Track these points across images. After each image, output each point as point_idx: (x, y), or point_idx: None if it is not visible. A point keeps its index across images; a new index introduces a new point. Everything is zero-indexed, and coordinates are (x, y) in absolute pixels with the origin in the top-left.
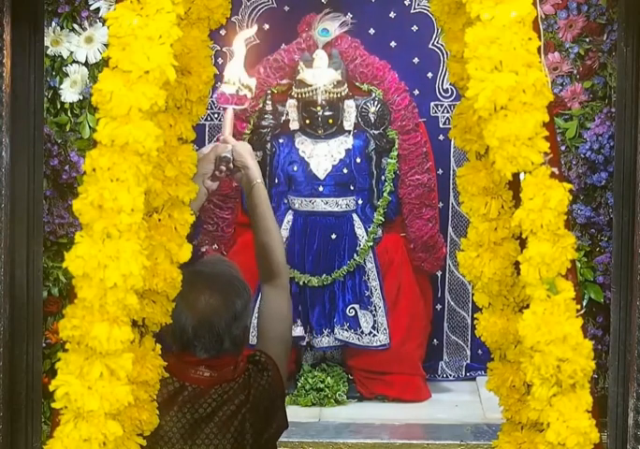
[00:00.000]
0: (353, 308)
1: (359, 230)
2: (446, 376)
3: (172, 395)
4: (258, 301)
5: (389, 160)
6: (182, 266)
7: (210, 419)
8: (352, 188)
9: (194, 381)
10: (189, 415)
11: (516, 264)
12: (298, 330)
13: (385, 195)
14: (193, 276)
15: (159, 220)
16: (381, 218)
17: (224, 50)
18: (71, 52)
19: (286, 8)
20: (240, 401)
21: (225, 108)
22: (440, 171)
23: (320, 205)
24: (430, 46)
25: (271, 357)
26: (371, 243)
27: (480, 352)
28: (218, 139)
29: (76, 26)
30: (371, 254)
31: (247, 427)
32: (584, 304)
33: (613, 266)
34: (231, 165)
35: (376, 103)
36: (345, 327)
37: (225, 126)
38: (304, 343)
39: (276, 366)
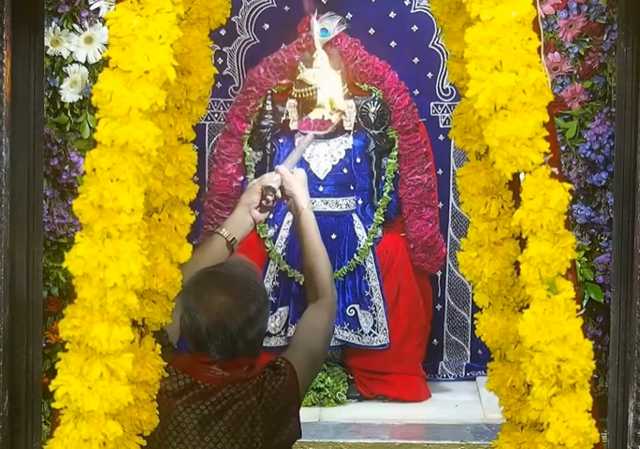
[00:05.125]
0: (353, 308)
1: (359, 230)
2: (446, 376)
3: (183, 391)
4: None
5: (389, 160)
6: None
7: (220, 418)
8: (352, 188)
9: (206, 379)
10: (198, 411)
11: (516, 264)
12: None
13: (385, 195)
14: (210, 277)
15: (159, 220)
16: (381, 218)
17: (224, 50)
18: (71, 52)
19: (286, 8)
20: (251, 402)
21: (304, 134)
22: (440, 171)
23: (320, 205)
24: (430, 46)
25: (291, 364)
26: (371, 243)
27: (480, 352)
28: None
29: (76, 26)
30: (371, 254)
31: (257, 429)
32: (584, 304)
33: (613, 266)
34: (278, 194)
35: (376, 103)
36: (345, 327)
37: (291, 154)
38: None
39: (294, 372)
